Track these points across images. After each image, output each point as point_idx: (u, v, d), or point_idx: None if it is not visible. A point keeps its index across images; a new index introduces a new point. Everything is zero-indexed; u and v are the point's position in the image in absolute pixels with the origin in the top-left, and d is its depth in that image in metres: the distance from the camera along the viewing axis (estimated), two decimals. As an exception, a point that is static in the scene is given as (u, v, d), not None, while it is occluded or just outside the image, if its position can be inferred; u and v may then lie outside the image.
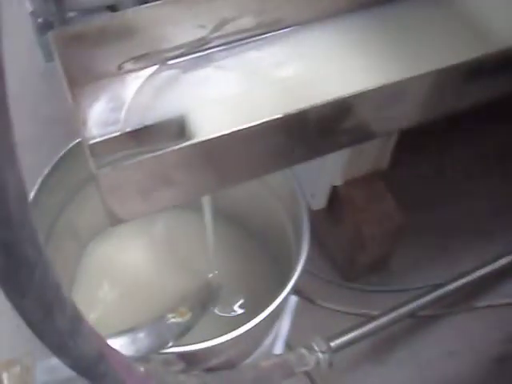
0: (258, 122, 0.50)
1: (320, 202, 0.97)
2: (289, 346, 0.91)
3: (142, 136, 0.58)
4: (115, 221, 0.53)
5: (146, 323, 0.59)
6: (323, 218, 1.01)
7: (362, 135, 0.58)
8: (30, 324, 0.39)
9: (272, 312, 0.67)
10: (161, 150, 0.52)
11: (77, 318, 0.42)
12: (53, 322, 0.39)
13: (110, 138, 0.57)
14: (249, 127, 0.51)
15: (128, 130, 0.58)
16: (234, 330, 0.65)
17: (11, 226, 0.32)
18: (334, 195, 0.96)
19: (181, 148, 0.50)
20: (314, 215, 0.93)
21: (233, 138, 0.51)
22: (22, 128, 1.11)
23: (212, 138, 0.50)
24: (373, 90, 0.52)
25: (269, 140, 0.53)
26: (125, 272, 0.87)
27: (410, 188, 1.05)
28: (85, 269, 0.88)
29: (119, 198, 0.51)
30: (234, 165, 0.55)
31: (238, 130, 0.51)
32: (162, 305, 0.81)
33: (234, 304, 0.87)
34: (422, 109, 0.58)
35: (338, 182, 0.95)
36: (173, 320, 0.60)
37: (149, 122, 0.58)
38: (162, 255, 0.88)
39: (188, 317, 0.63)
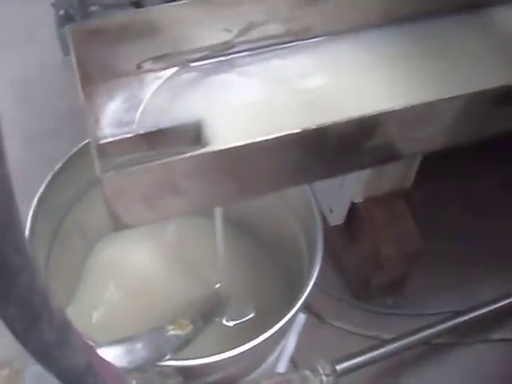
0: (275, 136, 0.48)
1: (338, 217, 0.94)
2: (294, 363, 0.88)
3: (155, 139, 0.56)
4: (118, 226, 0.50)
5: (143, 333, 0.56)
6: (339, 233, 0.98)
7: (383, 156, 0.55)
8: (14, 332, 0.37)
9: (278, 330, 0.65)
10: (174, 155, 0.50)
11: (65, 328, 0.40)
12: (38, 332, 0.37)
13: (121, 139, 0.55)
14: (265, 140, 0.48)
15: (141, 132, 0.56)
16: (239, 342, 0.62)
17: None
18: (353, 212, 0.93)
19: (191, 157, 0.48)
20: (330, 230, 0.91)
21: (248, 150, 0.49)
22: (42, 120, 1.10)
23: (225, 149, 0.48)
24: (396, 110, 0.49)
25: (286, 154, 0.51)
26: (131, 274, 0.86)
27: (431, 212, 1.02)
28: (91, 268, 0.87)
29: (123, 204, 0.49)
30: (248, 178, 0.52)
31: (254, 143, 0.48)
32: (166, 310, 0.79)
33: (240, 314, 0.85)
34: (447, 133, 0.55)
35: (358, 199, 0.92)
36: (172, 332, 0.58)
37: (164, 125, 0.56)
38: (170, 260, 0.86)
39: (188, 330, 0.61)
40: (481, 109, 0.55)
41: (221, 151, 0.48)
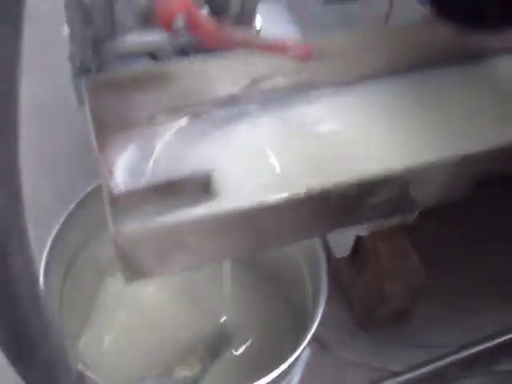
0: (277, 198, 0.50)
1: (343, 250, 0.96)
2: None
3: (167, 189, 0.58)
4: (130, 278, 0.53)
5: (152, 377, 0.59)
6: (345, 264, 1.00)
7: (385, 212, 0.57)
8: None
9: (283, 371, 0.67)
10: (185, 206, 0.53)
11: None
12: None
13: (133, 190, 0.57)
14: (269, 202, 0.51)
15: (153, 182, 0.58)
16: (244, 372, 0.64)
17: (19, 307, 0.33)
18: (359, 244, 0.95)
19: (200, 217, 0.50)
20: (336, 260, 0.93)
21: (253, 210, 0.51)
22: (60, 148, 1.12)
23: (228, 210, 0.50)
24: (395, 173, 0.52)
25: (292, 213, 0.53)
26: (140, 306, 0.88)
27: (435, 245, 1.03)
28: (104, 298, 0.89)
29: (135, 258, 0.51)
30: (254, 234, 0.55)
31: (257, 205, 0.50)
32: (173, 340, 0.82)
33: (245, 344, 0.87)
34: (449, 188, 0.57)
35: (363, 233, 0.94)
36: (181, 374, 0.60)
37: (175, 175, 0.58)
38: (177, 293, 0.89)
39: (197, 370, 0.63)
40: (481, 165, 0.57)
41: (225, 212, 0.50)
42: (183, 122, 0.63)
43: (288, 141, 0.62)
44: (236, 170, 0.59)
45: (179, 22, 0.50)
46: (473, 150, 0.54)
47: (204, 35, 0.53)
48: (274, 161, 0.60)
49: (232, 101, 0.63)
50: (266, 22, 0.68)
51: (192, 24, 0.51)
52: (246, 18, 0.63)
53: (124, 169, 0.59)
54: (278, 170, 0.59)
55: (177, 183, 0.58)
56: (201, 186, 0.58)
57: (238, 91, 0.63)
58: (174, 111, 0.62)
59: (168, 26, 0.51)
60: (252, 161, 0.60)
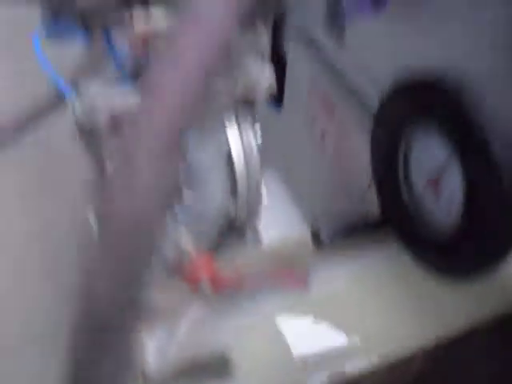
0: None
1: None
2: None
3: (190, 370, 0.71)
4: None
5: None
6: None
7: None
8: None
9: None
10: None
11: None
12: None
13: (162, 372, 0.70)
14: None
15: (177, 365, 0.71)
16: None
17: None
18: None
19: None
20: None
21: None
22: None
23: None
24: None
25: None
26: None
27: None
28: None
29: None
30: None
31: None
32: None
33: None
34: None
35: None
36: None
37: (195, 358, 0.71)
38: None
39: None
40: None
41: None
42: (202, 308, 0.76)
43: (298, 320, 0.75)
44: (252, 352, 0.71)
45: (204, 286, 0.64)
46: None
47: (225, 289, 0.67)
48: (288, 340, 0.72)
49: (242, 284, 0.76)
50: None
51: (214, 284, 0.65)
52: (249, 221, 0.77)
53: (154, 352, 0.72)
54: (292, 351, 0.72)
55: (197, 365, 0.71)
56: (219, 368, 0.71)
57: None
58: (194, 300, 0.76)
59: (193, 285, 0.65)
60: (266, 342, 0.73)
